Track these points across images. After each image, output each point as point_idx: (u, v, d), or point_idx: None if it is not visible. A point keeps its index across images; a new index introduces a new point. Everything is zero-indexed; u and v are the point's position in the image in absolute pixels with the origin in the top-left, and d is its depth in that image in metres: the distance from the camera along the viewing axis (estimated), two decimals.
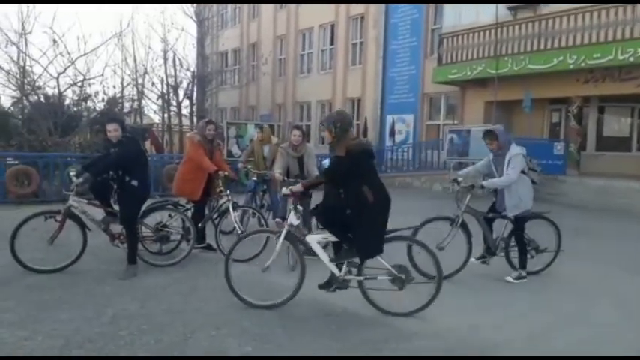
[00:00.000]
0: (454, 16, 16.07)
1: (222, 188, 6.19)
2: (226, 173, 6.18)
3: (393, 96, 19.68)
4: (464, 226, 5.42)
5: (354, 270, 4.24)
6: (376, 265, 4.22)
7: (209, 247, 6.32)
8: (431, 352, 3.56)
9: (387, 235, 4.21)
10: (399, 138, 18.98)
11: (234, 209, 6.08)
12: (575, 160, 13.96)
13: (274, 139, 8.14)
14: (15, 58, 14.80)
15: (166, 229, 5.84)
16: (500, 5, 14.27)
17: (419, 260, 4.98)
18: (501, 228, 5.64)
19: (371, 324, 4.06)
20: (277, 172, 6.20)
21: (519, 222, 5.41)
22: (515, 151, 5.30)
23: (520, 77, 14.11)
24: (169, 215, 5.94)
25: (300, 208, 5.73)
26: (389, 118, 19.65)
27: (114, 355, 3.36)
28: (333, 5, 21.61)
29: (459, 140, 15.01)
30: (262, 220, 6.53)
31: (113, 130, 5.34)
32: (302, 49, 24.34)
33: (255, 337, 3.71)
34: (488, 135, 5.44)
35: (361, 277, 4.23)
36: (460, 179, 5.64)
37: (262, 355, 3.45)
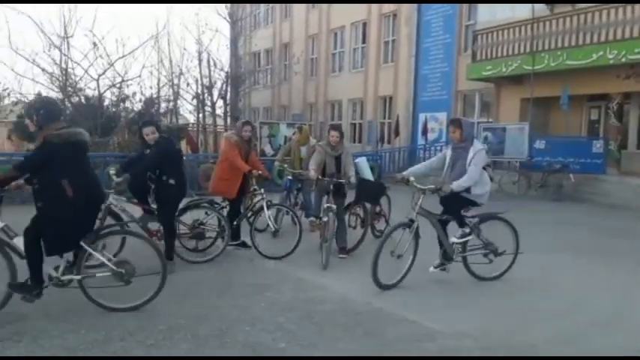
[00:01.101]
0: (489, 12, 15.80)
1: (256, 187, 6.32)
2: (260, 172, 6.24)
3: (425, 94, 19.49)
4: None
5: (71, 269, 4.05)
6: (95, 262, 4.13)
7: (244, 245, 6.43)
8: (452, 352, 3.56)
9: None
10: (431, 136, 18.78)
11: (268, 207, 6.20)
12: (615, 159, 13.53)
13: (312, 140, 8.19)
14: (58, 61, 15.32)
15: (202, 227, 5.98)
16: None
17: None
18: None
19: (398, 322, 4.07)
20: (312, 168, 6.13)
21: (454, 202, 5.12)
22: (480, 146, 5.15)
23: (557, 73, 13.76)
24: (206, 213, 6.08)
25: (334, 207, 5.74)
26: (421, 117, 19.46)
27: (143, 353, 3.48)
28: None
29: (493, 138, 14.79)
30: (295, 219, 6.61)
31: (150, 133, 5.55)
32: (334, 48, 24.37)
33: (289, 333, 3.78)
34: (453, 123, 5.28)
35: (78, 277, 4.04)
36: (412, 179, 5.20)
37: (295, 350, 3.50)
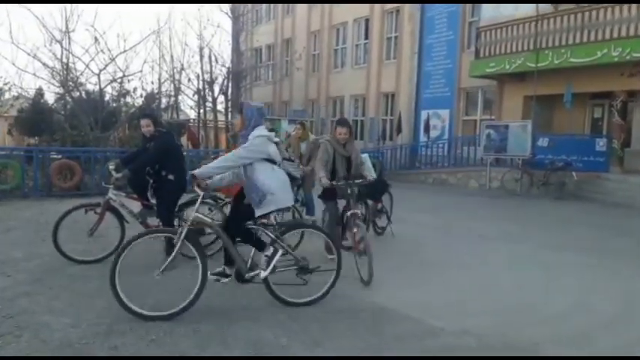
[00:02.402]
0: (492, 9, 15.72)
1: None
2: None
3: (428, 91, 19.43)
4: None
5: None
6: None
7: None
8: (454, 350, 3.54)
9: None
10: (434, 133, 18.73)
11: None
12: (618, 157, 13.47)
13: (312, 136, 8.18)
14: (59, 56, 15.27)
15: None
16: None
17: None
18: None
19: (400, 320, 4.05)
20: (321, 175, 5.30)
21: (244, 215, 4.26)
22: (261, 132, 4.21)
23: (561, 71, 13.71)
24: (209, 209, 6.05)
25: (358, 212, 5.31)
26: (424, 113, 19.41)
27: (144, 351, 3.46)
28: None
29: (496, 136, 14.74)
30: (297, 214, 6.57)
31: (145, 125, 5.56)
32: (336, 44, 24.30)
33: (291, 330, 3.75)
34: (236, 109, 4.75)
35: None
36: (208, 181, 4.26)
37: (297, 347, 3.48)
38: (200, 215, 4.17)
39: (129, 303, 3.79)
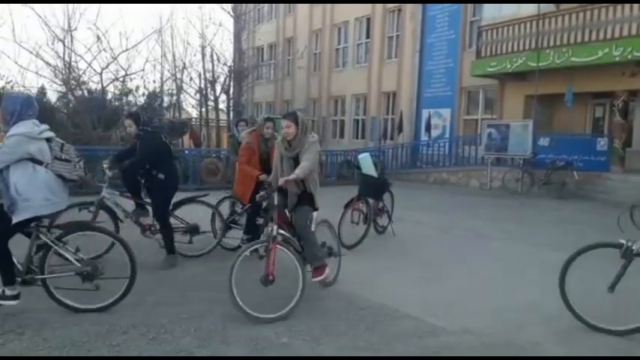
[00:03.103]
0: (494, 8, 15.72)
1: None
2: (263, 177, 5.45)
3: (429, 90, 19.43)
4: None
5: None
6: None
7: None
8: (454, 349, 3.55)
9: None
10: (435, 133, 18.73)
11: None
12: (619, 157, 13.46)
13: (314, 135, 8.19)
14: (61, 54, 15.32)
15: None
16: None
17: None
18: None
19: (400, 318, 4.06)
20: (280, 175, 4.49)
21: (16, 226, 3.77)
22: (18, 130, 3.66)
23: (562, 70, 13.71)
24: (215, 208, 6.01)
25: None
26: (425, 113, 19.41)
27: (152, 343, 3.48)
28: None
29: (497, 135, 14.75)
30: None
31: (128, 126, 5.51)
32: (337, 43, 24.31)
33: (292, 328, 3.77)
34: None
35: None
36: None
37: (298, 345, 3.50)
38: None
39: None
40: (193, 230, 5.86)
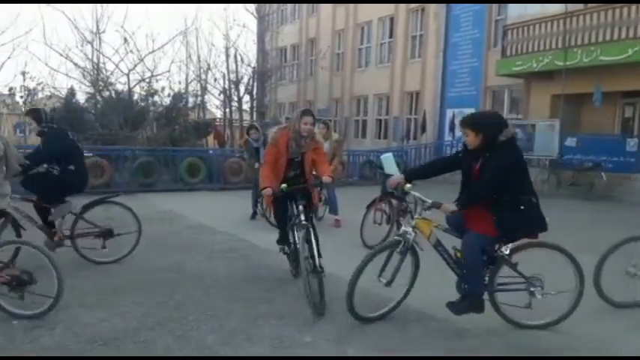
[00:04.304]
0: (519, 7, 15.49)
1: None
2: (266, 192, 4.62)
3: (453, 89, 19.25)
4: None
5: None
6: None
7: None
8: (479, 350, 3.53)
9: None
10: (459, 133, 18.53)
11: None
12: None
13: (335, 135, 8.21)
14: (90, 56, 15.65)
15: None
16: None
17: None
18: None
19: (426, 319, 4.06)
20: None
21: None
22: None
23: (590, 69, 13.43)
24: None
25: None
26: (449, 112, 19.24)
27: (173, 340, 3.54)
28: None
29: (523, 135, 14.51)
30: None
31: (28, 123, 5.19)
32: (360, 43, 24.27)
33: (315, 327, 3.79)
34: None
35: None
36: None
37: (322, 344, 3.52)
38: None
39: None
40: (107, 234, 5.33)
